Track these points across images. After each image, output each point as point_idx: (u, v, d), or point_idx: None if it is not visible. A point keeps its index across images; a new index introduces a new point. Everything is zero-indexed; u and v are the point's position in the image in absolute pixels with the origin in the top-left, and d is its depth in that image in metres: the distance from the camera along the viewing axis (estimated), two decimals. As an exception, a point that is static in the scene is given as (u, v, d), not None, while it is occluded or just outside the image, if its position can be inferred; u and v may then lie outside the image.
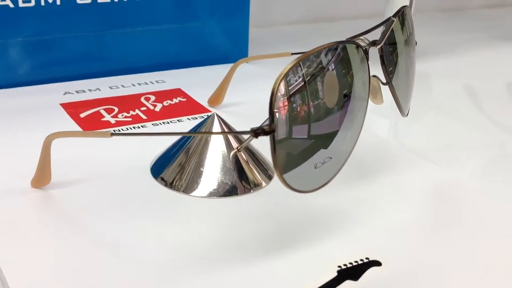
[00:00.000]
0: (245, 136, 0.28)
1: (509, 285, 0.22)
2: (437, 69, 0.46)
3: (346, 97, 0.23)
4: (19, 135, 0.31)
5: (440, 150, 0.33)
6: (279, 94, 0.19)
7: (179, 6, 0.41)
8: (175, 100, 0.36)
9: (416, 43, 0.28)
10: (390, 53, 0.24)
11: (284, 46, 0.48)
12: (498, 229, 0.26)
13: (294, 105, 0.20)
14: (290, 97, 0.20)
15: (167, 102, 0.36)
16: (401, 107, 0.26)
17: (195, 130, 0.29)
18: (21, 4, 0.36)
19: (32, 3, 0.36)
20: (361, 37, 0.22)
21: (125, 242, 0.23)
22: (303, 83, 0.21)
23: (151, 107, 0.35)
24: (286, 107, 0.20)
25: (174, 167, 0.28)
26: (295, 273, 0.22)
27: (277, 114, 0.19)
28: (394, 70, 0.25)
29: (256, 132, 0.19)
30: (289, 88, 0.20)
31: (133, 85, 0.38)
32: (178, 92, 0.38)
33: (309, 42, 0.46)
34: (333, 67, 0.21)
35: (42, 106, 0.34)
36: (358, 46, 0.22)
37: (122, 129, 0.32)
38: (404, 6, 0.25)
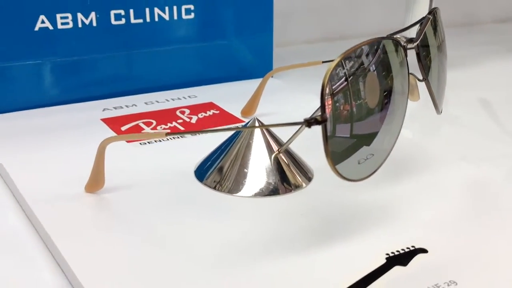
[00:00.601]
0: (284, 141, 0.29)
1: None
2: (454, 80, 0.48)
3: (387, 95, 0.24)
4: (66, 148, 0.32)
5: (470, 150, 0.34)
6: (327, 88, 0.21)
7: (207, 25, 0.42)
8: (209, 113, 0.38)
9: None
10: (426, 50, 0.26)
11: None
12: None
13: (341, 99, 0.22)
14: (336, 92, 0.21)
15: (201, 115, 0.37)
16: (436, 104, 0.27)
17: (238, 133, 0.30)
18: (59, 26, 0.38)
19: (70, 25, 0.38)
20: (397, 35, 0.24)
21: (175, 239, 0.24)
22: (347, 80, 0.22)
23: (187, 119, 0.37)
24: (335, 100, 0.21)
25: (218, 170, 0.29)
26: (345, 262, 0.23)
27: (327, 105, 0.21)
28: (430, 67, 0.26)
29: (309, 122, 0.20)
30: (336, 83, 0.21)
31: (167, 100, 0.40)
32: (210, 105, 0.39)
33: (327, 59, 0.48)
34: (375, 64, 0.23)
35: (84, 121, 0.36)
36: (397, 43, 0.23)
37: (162, 141, 0.33)
38: (435, 8, 0.27)
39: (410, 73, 0.26)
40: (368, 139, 0.25)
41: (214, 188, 0.29)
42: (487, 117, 0.40)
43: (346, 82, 0.22)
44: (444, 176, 0.30)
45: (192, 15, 0.42)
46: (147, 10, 0.40)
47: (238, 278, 0.22)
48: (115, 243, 0.24)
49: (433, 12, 0.26)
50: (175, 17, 0.41)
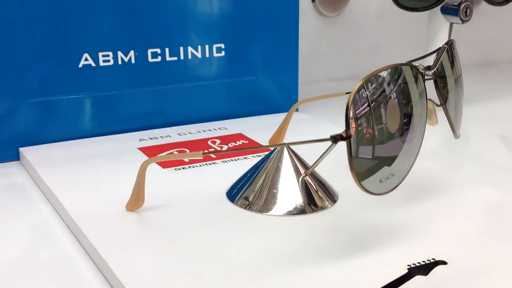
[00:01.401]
0: (310, 164, 0.31)
1: None
2: (473, 113, 0.50)
3: (406, 119, 0.26)
4: (107, 172, 0.35)
5: (486, 174, 0.36)
6: (351, 108, 0.23)
7: (236, 62, 0.45)
8: (239, 142, 0.40)
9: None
10: (442, 77, 0.28)
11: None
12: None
13: (364, 119, 0.24)
14: (360, 112, 0.24)
15: (231, 144, 0.40)
16: (454, 128, 0.29)
17: (267, 157, 0.32)
18: (101, 63, 0.41)
19: (111, 62, 0.41)
20: (415, 63, 0.26)
21: (209, 252, 0.26)
22: (369, 102, 0.24)
23: (218, 148, 0.39)
24: (358, 118, 0.23)
25: (250, 192, 0.31)
26: (368, 273, 0.25)
27: (352, 123, 0.23)
28: (447, 93, 0.28)
29: (335, 138, 0.23)
30: (359, 104, 0.23)
31: (199, 131, 0.42)
32: (240, 136, 0.42)
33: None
34: (395, 89, 0.25)
35: (122, 150, 0.38)
36: (416, 70, 0.26)
37: (195, 166, 0.36)
38: (451, 39, 0.29)
39: (429, 99, 0.28)
40: (389, 160, 0.27)
41: (245, 208, 0.31)
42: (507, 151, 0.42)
43: (368, 104, 0.24)
44: (462, 197, 0.32)
45: (222, 53, 0.45)
46: (181, 48, 0.43)
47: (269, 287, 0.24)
48: (154, 254, 0.26)
49: (449, 43, 0.29)
50: (207, 55, 0.44)
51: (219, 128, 0.43)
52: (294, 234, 0.28)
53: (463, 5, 0.46)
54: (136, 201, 0.29)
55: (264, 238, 0.28)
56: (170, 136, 0.41)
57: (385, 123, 0.25)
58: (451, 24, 0.48)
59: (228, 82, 0.45)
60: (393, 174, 0.28)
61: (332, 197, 0.32)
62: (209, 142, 0.40)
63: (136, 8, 0.41)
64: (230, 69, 0.45)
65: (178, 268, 0.25)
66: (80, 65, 0.40)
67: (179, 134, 0.42)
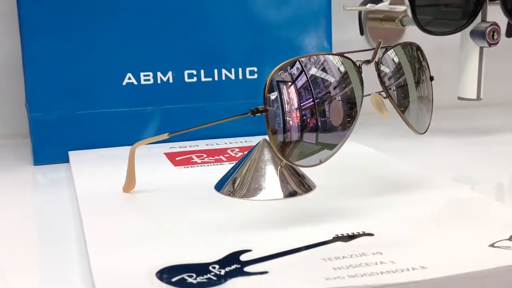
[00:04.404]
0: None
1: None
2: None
3: (319, 101, 0.29)
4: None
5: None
6: (269, 88, 0.27)
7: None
8: (255, 151, 0.44)
9: (432, 78, 0.34)
10: (391, 72, 0.30)
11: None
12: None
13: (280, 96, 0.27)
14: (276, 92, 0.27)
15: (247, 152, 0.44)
16: (409, 124, 0.31)
17: (250, 152, 0.36)
18: (142, 82, 0.47)
19: (151, 81, 0.47)
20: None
21: (178, 221, 0.30)
22: (292, 80, 0.28)
23: (233, 155, 0.43)
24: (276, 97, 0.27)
25: (234, 181, 0.35)
26: (299, 240, 0.28)
27: (268, 99, 0.26)
28: (396, 88, 0.30)
29: (253, 111, 0.26)
30: (280, 82, 0.27)
31: (225, 143, 0.47)
32: (259, 147, 0.45)
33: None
34: (316, 75, 0.28)
35: (151, 154, 0.44)
36: (350, 60, 0.29)
37: (204, 166, 0.40)
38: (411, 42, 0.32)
39: (376, 92, 0.30)
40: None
41: (229, 195, 0.34)
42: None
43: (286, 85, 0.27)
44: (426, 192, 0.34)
45: (255, 76, 0.50)
46: (216, 71, 0.49)
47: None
48: (123, 219, 0.31)
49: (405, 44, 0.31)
50: (240, 77, 0.49)
51: (245, 141, 0.48)
52: (260, 212, 0.32)
53: (489, 29, 0.48)
54: (128, 183, 0.34)
55: (233, 213, 0.31)
56: (197, 146, 0.46)
57: (298, 101, 0.28)
58: (481, 48, 0.49)
59: (259, 102, 0.50)
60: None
61: (307, 187, 0.35)
62: (228, 151, 0.45)
63: (175, 33, 0.47)
64: (261, 91, 0.50)
65: (158, 235, 0.29)
66: (124, 83, 0.47)
67: (206, 144, 0.47)
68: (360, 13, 0.59)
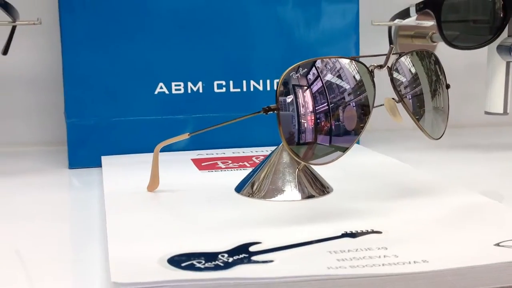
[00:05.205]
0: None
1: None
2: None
3: (328, 102, 0.30)
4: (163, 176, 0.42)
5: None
6: (282, 87, 0.28)
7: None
8: (278, 159, 0.45)
9: (448, 86, 0.34)
10: (405, 77, 0.31)
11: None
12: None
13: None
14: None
15: (271, 160, 0.45)
16: (421, 127, 0.32)
17: (270, 155, 0.37)
18: (173, 91, 0.49)
19: (182, 91, 0.49)
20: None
21: (201, 219, 0.32)
22: (304, 81, 0.29)
23: (257, 162, 0.44)
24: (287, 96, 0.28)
25: (253, 183, 0.36)
26: (310, 236, 0.29)
27: (280, 99, 0.28)
28: (410, 93, 0.31)
29: (265, 109, 0.28)
30: (291, 83, 0.28)
31: (251, 152, 0.48)
32: (284, 155, 0.47)
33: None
34: (328, 78, 0.29)
35: (179, 160, 0.46)
36: (363, 65, 0.30)
37: (227, 170, 0.42)
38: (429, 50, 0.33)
39: (393, 98, 0.31)
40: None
41: (248, 196, 0.36)
42: None
43: (299, 86, 0.29)
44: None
45: (283, 88, 0.51)
46: (244, 82, 0.50)
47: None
48: (145, 215, 0.32)
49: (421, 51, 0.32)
50: (268, 88, 0.51)
51: (271, 150, 0.49)
52: (275, 211, 0.33)
53: (515, 43, 0.48)
54: (152, 182, 0.36)
55: (253, 214, 0.33)
56: (224, 153, 0.48)
57: (309, 102, 0.29)
58: (507, 63, 0.50)
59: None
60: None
61: (325, 189, 0.36)
62: (253, 158, 0.46)
63: (205, 45, 0.49)
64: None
65: (176, 229, 0.30)
66: (156, 92, 0.49)
67: (233, 152, 0.48)
68: (390, 30, 0.60)
